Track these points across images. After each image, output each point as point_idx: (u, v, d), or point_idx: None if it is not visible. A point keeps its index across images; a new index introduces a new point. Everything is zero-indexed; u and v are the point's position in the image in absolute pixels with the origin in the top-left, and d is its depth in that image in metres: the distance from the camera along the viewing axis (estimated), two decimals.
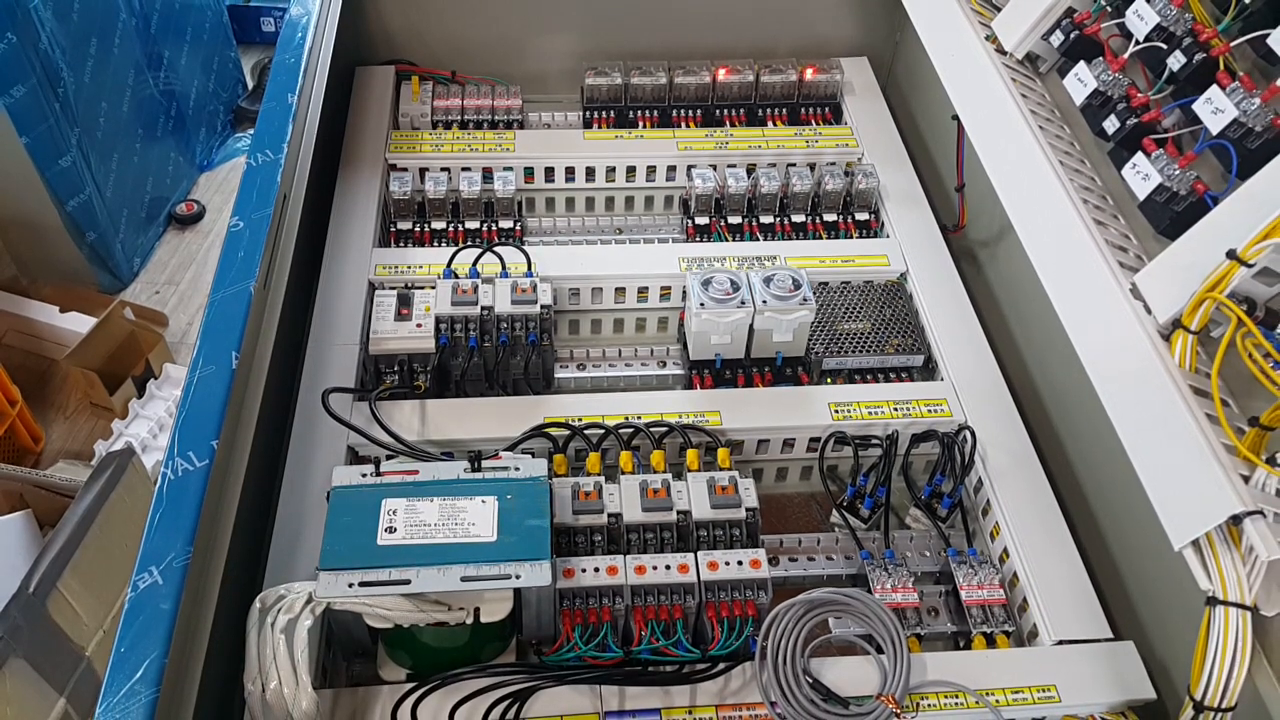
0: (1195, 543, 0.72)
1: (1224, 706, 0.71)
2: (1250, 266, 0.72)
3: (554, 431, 1.02)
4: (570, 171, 1.35)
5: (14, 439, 2.00)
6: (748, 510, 0.92)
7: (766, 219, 1.30)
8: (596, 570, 0.87)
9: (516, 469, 0.89)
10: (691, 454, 0.99)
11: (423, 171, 1.31)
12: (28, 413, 2.02)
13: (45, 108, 2.07)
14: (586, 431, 1.02)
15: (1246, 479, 0.71)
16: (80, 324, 2.16)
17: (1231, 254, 0.72)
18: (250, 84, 2.98)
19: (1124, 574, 0.99)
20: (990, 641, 0.93)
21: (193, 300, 2.42)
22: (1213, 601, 0.71)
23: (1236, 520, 0.69)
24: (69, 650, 1.42)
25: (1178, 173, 0.85)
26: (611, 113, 1.42)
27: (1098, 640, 0.90)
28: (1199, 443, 0.73)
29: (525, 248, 1.17)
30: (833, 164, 1.34)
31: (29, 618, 1.34)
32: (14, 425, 1.98)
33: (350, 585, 0.79)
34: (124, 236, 2.40)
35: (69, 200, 2.21)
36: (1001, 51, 1.10)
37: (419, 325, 1.08)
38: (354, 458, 1.01)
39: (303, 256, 1.12)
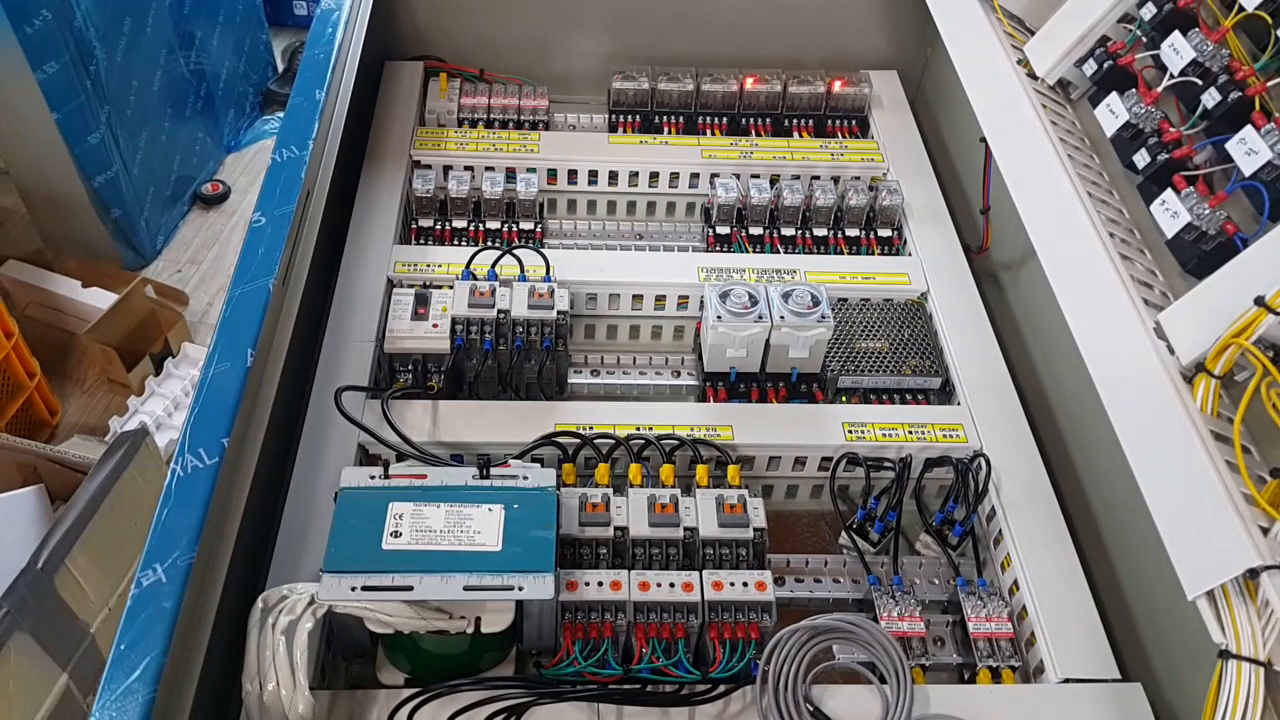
0: (1210, 593, 0.71)
1: None
2: (1279, 314, 0.70)
3: (564, 440, 1.01)
4: (594, 175, 1.35)
5: (31, 410, 2.02)
6: (755, 530, 0.91)
7: (788, 231, 1.29)
8: (600, 584, 0.86)
9: (525, 478, 0.88)
10: (701, 470, 0.98)
11: (446, 169, 1.30)
12: (46, 385, 2.04)
13: (77, 84, 2.08)
14: (597, 441, 1.01)
15: (1265, 531, 0.70)
16: (101, 300, 2.18)
17: (1260, 301, 0.71)
18: (280, 67, 2.99)
19: (1135, 614, 0.98)
20: (995, 676, 0.92)
21: (214, 280, 2.43)
22: (1226, 655, 0.69)
23: (1253, 574, 0.68)
24: (74, 627, 1.44)
25: (1208, 212, 0.84)
26: (637, 117, 1.41)
27: (1105, 680, 0.89)
28: (1218, 491, 0.71)
29: (544, 251, 1.16)
30: (857, 178, 1.32)
31: (36, 593, 1.35)
32: (32, 397, 2.00)
33: (353, 589, 0.79)
34: (149, 214, 2.41)
35: (96, 176, 2.22)
36: (1033, 76, 1.09)
37: (435, 325, 1.07)
38: (364, 457, 1.01)
39: (323, 250, 1.12)
